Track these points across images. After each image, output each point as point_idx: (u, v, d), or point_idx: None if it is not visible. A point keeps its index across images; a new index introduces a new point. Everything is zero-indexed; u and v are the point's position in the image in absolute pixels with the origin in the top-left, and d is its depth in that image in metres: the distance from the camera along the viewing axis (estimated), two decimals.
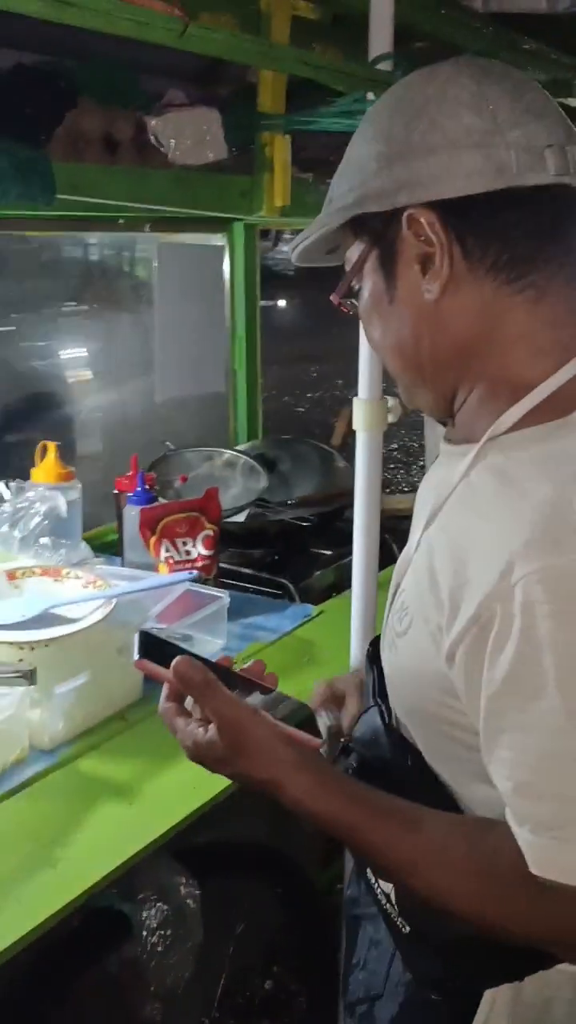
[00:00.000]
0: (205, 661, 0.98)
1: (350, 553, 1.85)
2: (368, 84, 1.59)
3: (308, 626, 2.03)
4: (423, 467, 7.22)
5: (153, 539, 2.00)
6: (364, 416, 1.68)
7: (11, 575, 1.74)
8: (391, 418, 1.70)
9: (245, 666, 1.07)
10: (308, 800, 0.94)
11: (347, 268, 1.00)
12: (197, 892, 1.47)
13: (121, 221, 2.47)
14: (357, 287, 1.00)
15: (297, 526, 2.48)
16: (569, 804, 0.80)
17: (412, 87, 0.94)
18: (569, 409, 0.90)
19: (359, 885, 1.18)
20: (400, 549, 2.22)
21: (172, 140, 1.91)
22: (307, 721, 1.02)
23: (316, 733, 0.99)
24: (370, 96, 1.62)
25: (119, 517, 2.16)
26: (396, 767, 1.03)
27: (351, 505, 1.84)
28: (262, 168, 2.02)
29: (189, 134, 1.92)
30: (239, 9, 1.84)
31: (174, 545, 2.01)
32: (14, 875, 1.27)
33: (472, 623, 0.83)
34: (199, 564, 2.01)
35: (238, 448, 2.75)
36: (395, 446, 7.64)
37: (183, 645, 1.02)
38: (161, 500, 2.15)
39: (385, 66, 1.60)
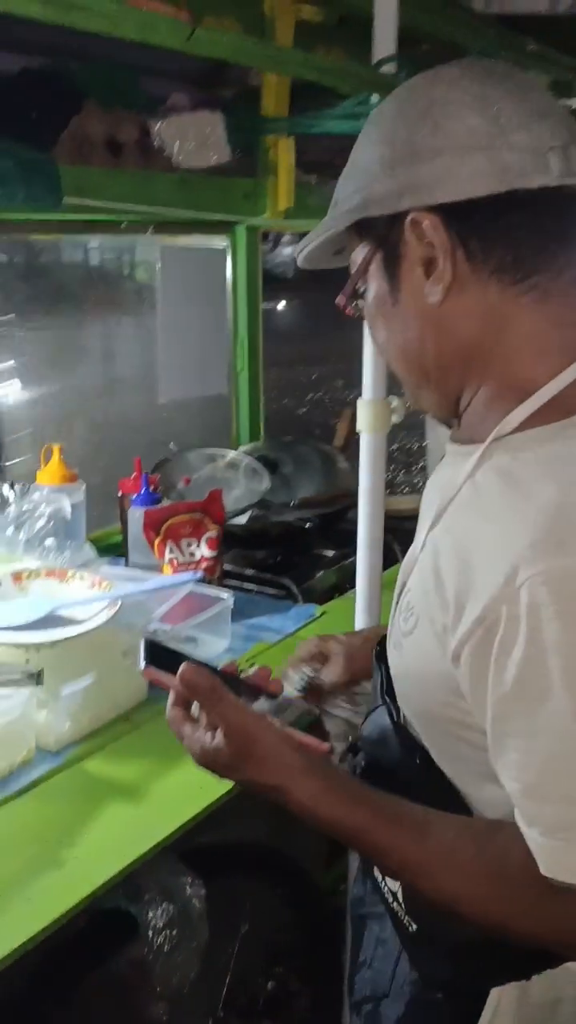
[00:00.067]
0: (211, 667, 0.98)
1: (352, 554, 1.86)
2: (372, 86, 1.60)
3: (312, 627, 2.03)
4: (423, 469, 7.22)
5: (157, 540, 2.00)
6: (368, 417, 1.69)
7: (17, 577, 1.74)
8: (395, 419, 1.71)
9: (250, 672, 1.08)
10: (315, 805, 0.94)
11: (352, 270, 1.01)
12: (203, 892, 1.47)
13: (124, 224, 2.48)
14: (362, 289, 1.01)
15: (300, 527, 2.48)
16: None
17: (416, 90, 0.94)
18: (574, 410, 0.90)
19: (365, 884, 1.18)
20: (402, 549, 2.24)
21: (176, 143, 1.91)
22: (314, 726, 1.02)
23: (323, 737, 0.99)
24: (374, 98, 1.62)
25: (123, 519, 2.16)
26: (404, 766, 1.03)
27: (353, 506, 1.85)
28: (266, 171, 2.02)
29: (192, 137, 1.92)
30: (243, 12, 1.85)
31: (178, 546, 2.02)
32: (21, 876, 1.27)
33: (477, 625, 0.83)
34: (203, 565, 2.02)
35: (240, 450, 2.75)
36: (395, 447, 7.62)
37: (188, 650, 1.03)
38: (165, 502, 2.15)
39: (389, 68, 1.60)
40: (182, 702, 0.99)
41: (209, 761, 0.97)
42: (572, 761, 0.81)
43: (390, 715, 1.06)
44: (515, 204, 0.88)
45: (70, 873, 1.28)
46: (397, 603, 1.04)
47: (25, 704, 1.45)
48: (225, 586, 2.08)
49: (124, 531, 2.16)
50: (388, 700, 1.07)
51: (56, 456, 2.09)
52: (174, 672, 0.96)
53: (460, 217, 0.90)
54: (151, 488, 2.12)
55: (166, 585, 1.83)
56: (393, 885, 1.05)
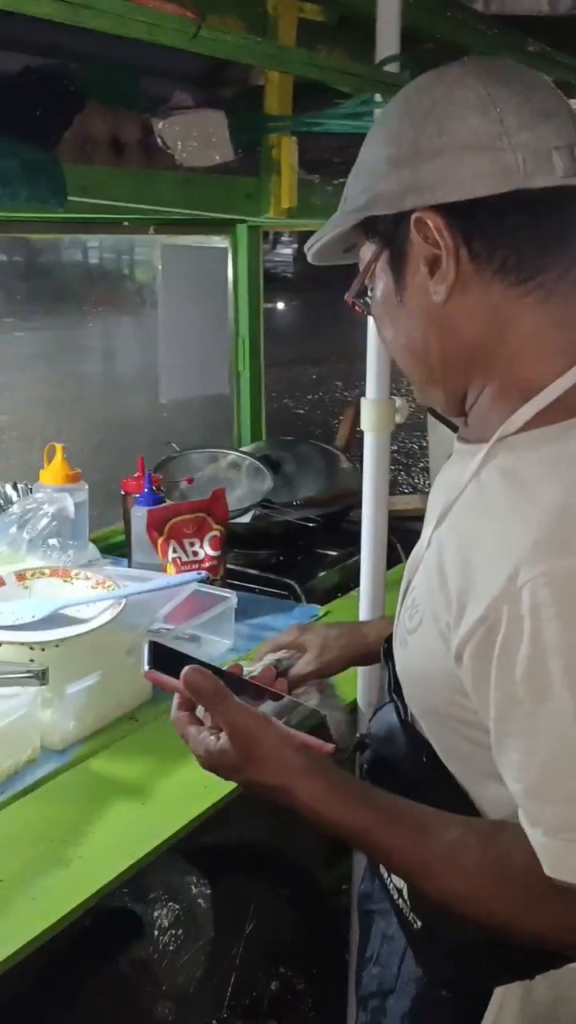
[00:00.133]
0: (215, 669, 0.98)
1: (355, 553, 1.86)
2: (376, 86, 1.60)
3: None
4: (424, 469, 7.23)
5: (160, 540, 2.00)
6: (372, 416, 1.69)
7: (20, 576, 1.74)
8: (399, 419, 1.71)
9: (255, 673, 1.08)
10: (319, 806, 0.94)
11: (360, 268, 1.01)
12: (208, 892, 1.47)
13: (126, 223, 2.48)
14: (370, 287, 1.01)
15: (302, 527, 2.48)
16: None
17: (421, 89, 0.94)
18: None
19: (373, 881, 1.18)
20: (403, 549, 2.25)
21: (179, 142, 1.91)
22: (318, 727, 1.03)
23: (327, 738, 0.99)
24: (377, 98, 1.63)
25: (126, 518, 2.16)
26: (411, 764, 1.03)
27: (356, 506, 1.85)
28: (269, 170, 2.02)
29: (195, 136, 1.92)
30: (246, 11, 1.85)
31: (181, 546, 2.02)
32: (26, 875, 1.27)
33: (479, 624, 0.83)
34: (206, 565, 2.02)
35: (242, 449, 2.75)
36: (395, 448, 7.64)
37: (192, 651, 1.03)
38: (167, 501, 2.15)
39: (392, 68, 1.60)
40: (187, 704, 0.99)
41: (214, 763, 0.97)
42: (574, 761, 0.81)
43: (397, 713, 1.07)
44: (518, 204, 0.88)
45: (75, 872, 1.28)
46: (402, 601, 1.04)
47: (30, 703, 1.45)
48: (228, 586, 2.08)
49: (127, 531, 2.16)
50: (395, 698, 1.07)
51: (59, 455, 2.09)
52: (178, 674, 0.96)
53: (463, 217, 0.90)
54: (154, 487, 2.12)
55: (170, 585, 1.83)
56: (398, 882, 1.06)
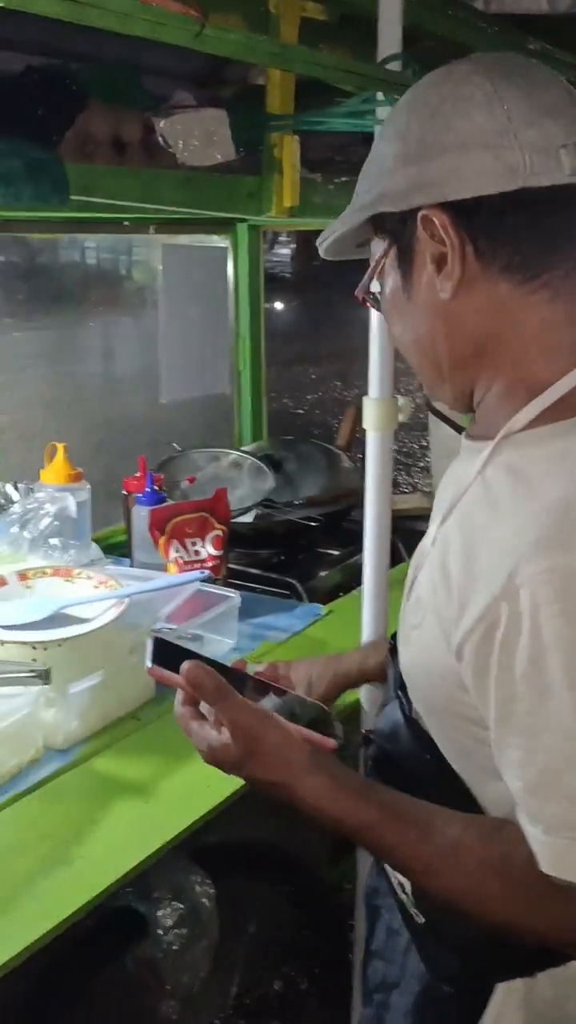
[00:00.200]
0: (219, 665, 0.98)
1: (357, 553, 1.86)
2: (377, 84, 1.60)
3: (318, 625, 2.03)
4: (424, 469, 7.24)
5: (163, 539, 2.00)
6: (375, 415, 1.69)
7: (23, 576, 1.74)
8: (402, 417, 1.71)
9: (259, 669, 1.08)
10: (320, 802, 0.95)
11: (371, 263, 1.01)
12: (212, 891, 1.47)
13: (126, 223, 2.49)
14: (380, 283, 1.01)
15: (304, 526, 2.48)
16: None
17: (429, 86, 0.94)
18: None
19: (379, 876, 1.19)
20: (405, 548, 2.24)
21: (180, 141, 1.91)
22: (321, 723, 1.03)
23: (329, 734, 0.99)
24: (379, 96, 1.63)
25: (127, 518, 2.16)
26: (415, 760, 1.04)
27: (357, 505, 1.85)
28: (271, 169, 2.02)
29: (197, 135, 1.92)
30: (248, 10, 1.85)
31: (183, 545, 2.02)
32: (31, 874, 1.27)
33: (479, 622, 0.83)
34: (208, 564, 2.02)
35: (244, 449, 2.75)
36: (395, 447, 7.64)
37: (195, 647, 1.03)
38: (169, 501, 2.15)
39: (394, 66, 1.60)
40: (191, 700, 0.99)
41: (217, 758, 0.97)
42: (573, 760, 0.81)
43: (402, 709, 1.07)
44: (524, 202, 0.88)
45: (79, 872, 1.28)
46: (407, 597, 1.04)
47: (33, 703, 1.45)
48: (230, 585, 2.09)
49: (128, 530, 2.16)
50: (400, 694, 1.07)
51: (60, 455, 2.09)
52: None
53: (469, 215, 0.90)
54: (156, 487, 2.12)
55: (172, 584, 1.83)
56: (401, 877, 1.06)
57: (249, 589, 2.19)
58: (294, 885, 1.85)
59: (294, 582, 2.23)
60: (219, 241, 2.80)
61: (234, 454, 2.64)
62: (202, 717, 0.98)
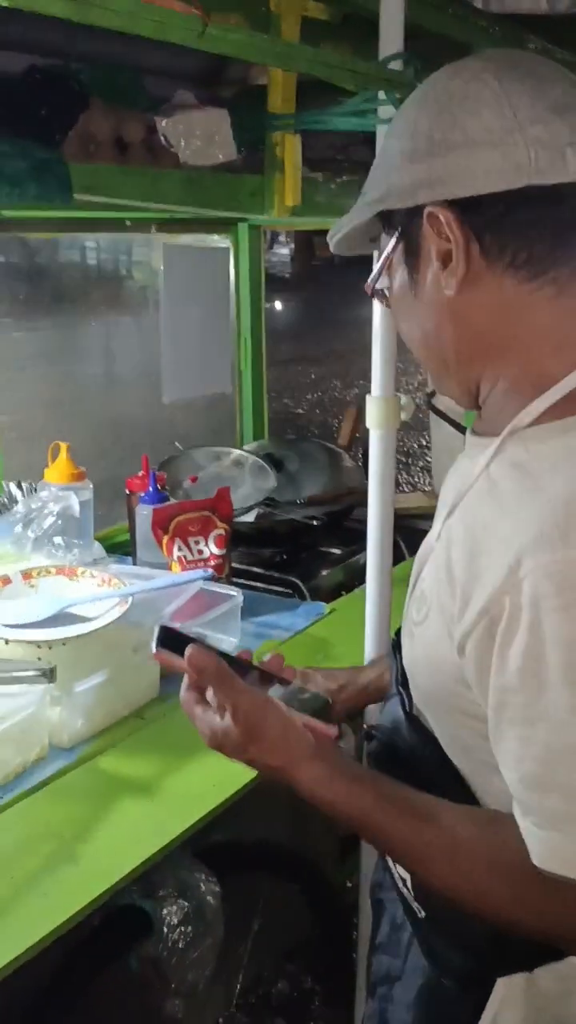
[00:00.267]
0: (224, 654, 0.99)
1: (359, 551, 1.86)
2: (380, 83, 1.60)
3: (320, 624, 2.04)
4: (424, 468, 7.25)
5: (166, 538, 2.01)
6: (377, 413, 1.69)
7: (27, 575, 1.75)
8: (404, 416, 1.71)
9: (264, 659, 1.09)
10: (319, 788, 0.96)
11: (379, 259, 1.02)
12: (217, 889, 1.47)
13: (128, 223, 2.49)
14: (388, 278, 1.02)
15: (306, 525, 2.49)
16: (574, 797, 0.81)
17: (437, 84, 0.94)
18: None
19: (383, 870, 1.19)
20: (406, 547, 2.24)
21: (182, 141, 1.91)
22: (323, 712, 1.04)
23: (331, 723, 1.00)
24: (381, 95, 1.63)
25: (130, 517, 2.16)
26: (415, 756, 1.04)
27: (359, 504, 1.85)
28: (272, 168, 2.02)
29: (199, 135, 1.93)
30: (249, 9, 1.85)
31: (186, 544, 2.02)
32: (36, 872, 1.27)
33: (482, 616, 0.84)
34: (211, 563, 2.02)
35: (246, 448, 2.76)
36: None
37: (201, 635, 1.04)
38: (172, 500, 2.16)
39: (396, 65, 1.61)
40: (196, 686, 1.00)
41: (219, 742, 0.98)
42: (568, 753, 0.81)
43: (403, 705, 1.07)
44: (530, 200, 0.88)
45: (85, 870, 1.28)
46: (411, 593, 1.05)
47: (38, 701, 1.45)
48: (233, 584, 2.09)
49: (131, 529, 2.16)
50: (402, 690, 1.08)
51: (63, 454, 2.09)
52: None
53: (475, 212, 0.90)
54: (159, 486, 2.12)
55: (176, 583, 1.83)
56: (403, 871, 1.07)
57: (252, 588, 2.20)
58: (299, 883, 1.85)
59: (297, 581, 2.23)
60: (220, 241, 2.80)
61: (236, 453, 2.65)
62: (206, 703, 0.99)
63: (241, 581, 2.21)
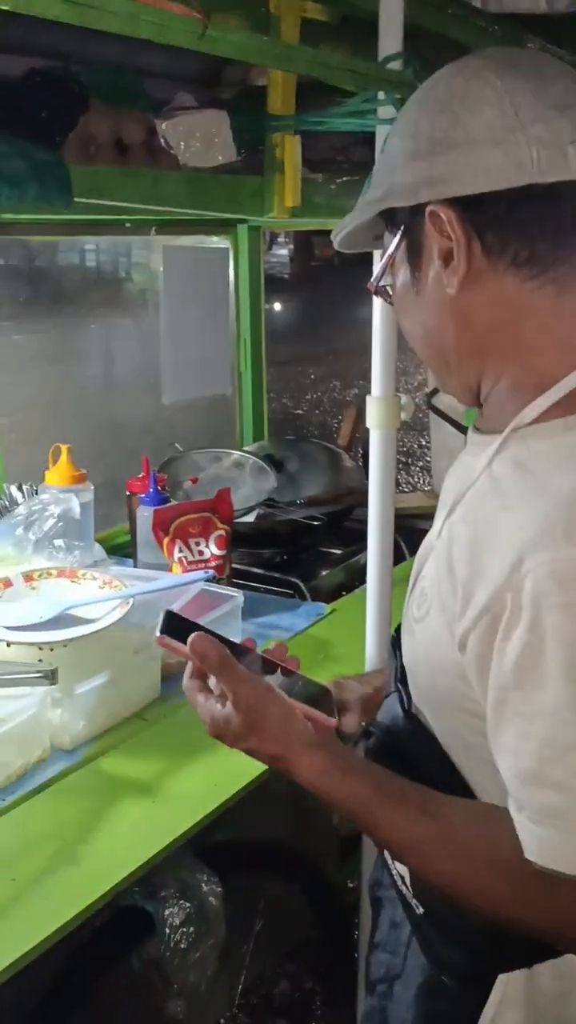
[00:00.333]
0: (228, 642, 0.99)
1: (359, 552, 1.86)
2: (379, 83, 1.60)
3: (321, 624, 2.04)
4: (423, 468, 7.25)
5: (166, 540, 2.01)
6: (377, 413, 1.69)
7: (28, 577, 1.75)
8: (404, 416, 1.72)
9: (269, 648, 1.09)
10: (317, 778, 0.96)
11: (382, 257, 1.02)
12: (219, 890, 1.47)
13: (128, 224, 2.49)
14: (391, 276, 1.02)
15: (307, 525, 2.49)
16: (569, 793, 0.81)
17: (440, 82, 0.94)
18: None
19: (382, 868, 1.19)
20: (406, 546, 2.24)
21: (182, 143, 1.92)
22: (324, 703, 1.04)
23: (331, 714, 1.00)
24: (380, 95, 1.63)
25: (131, 518, 2.16)
26: (413, 752, 1.04)
27: (360, 504, 1.85)
28: (272, 169, 2.03)
29: (198, 136, 1.93)
30: (249, 10, 1.85)
31: (187, 545, 2.02)
32: (38, 874, 1.27)
33: (484, 612, 0.84)
34: (212, 564, 2.02)
35: (246, 449, 2.76)
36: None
37: (206, 623, 1.04)
38: (172, 501, 2.16)
39: (395, 65, 1.61)
40: (199, 673, 1.00)
41: (219, 730, 0.98)
42: (565, 750, 0.81)
43: (401, 702, 1.07)
44: (532, 198, 0.88)
45: (87, 871, 1.28)
46: (412, 590, 1.05)
47: (40, 703, 1.45)
48: (233, 585, 2.09)
49: (132, 531, 2.16)
50: (401, 687, 1.08)
51: (64, 456, 2.09)
52: None
53: (476, 210, 0.90)
54: (159, 488, 2.13)
55: (177, 584, 1.83)
56: (401, 868, 1.07)
57: (252, 589, 2.20)
58: (300, 883, 1.85)
59: (297, 581, 2.24)
60: (219, 242, 2.81)
61: (236, 454, 2.65)
62: (209, 691, 0.99)
63: (242, 582, 2.21)
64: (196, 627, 0.99)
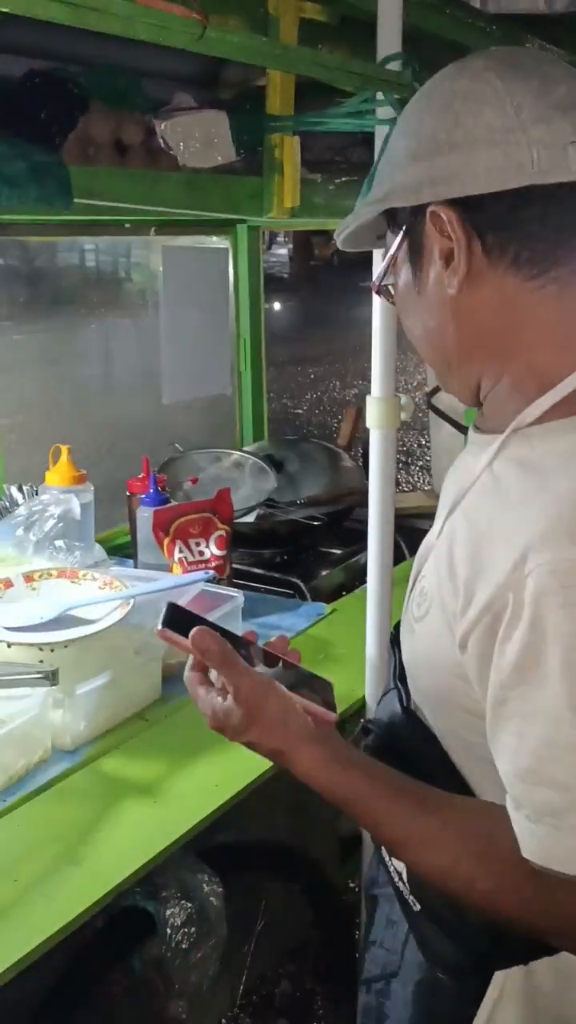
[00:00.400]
0: (230, 635, 0.99)
1: (359, 552, 1.86)
2: (378, 84, 1.60)
3: (322, 624, 2.04)
4: (423, 468, 7.25)
5: (167, 540, 2.01)
6: (377, 413, 1.69)
7: (28, 578, 1.75)
8: (404, 416, 1.72)
9: (270, 641, 1.09)
10: (316, 772, 0.96)
11: (384, 256, 1.02)
12: (220, 890, 1.47)
13: (127, 225, 2.49)
14: (393, 276, 1.02)
15: (307, 526, 2.49)
16: (568, 793, 0.81)
17: (441, 83, 0.94)
18: None
19: (378, 866, 1.19)
20: (406, 546, 2.24)
21: (181, 143, 1.92)
22: (325, 698, 1.04)
23: (332, 709, 1.01)
24: (379, 96, 1.63)
25: (131, 519, 2.17)
26: (411, 750, 1.04)
27: (360, 504, 1.85)
28: (271, 169, 2.03)
29: (197, 137, 1.93)
30: (247, 11, 1.85)
31: (187, 546, 2.02)
32: (40, 875, 1.28)
33: (485, 611, 0.84)
34: (212, 564, 2.02)
35: (245, 449, 2.76)
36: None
37: (209, 616, 1.03)
38: (172, 502, 2.16)
39: (394, 66, 1.61)
40: (200, 667, 1.00)
41: (220, 724, 0.98)
42: (564, 749, 0.81)
43: (400, 700, 1.08)
44: (533, 199, 0.88)
45: (88, 872, 1.29)
46: (412, 589, 1.05)
47: (41, 704, 1.45)
48: (234, 585, 2.09)
49: (132, 531, 2.16)
50: (399, 685, 1.08)
51: (64, 457, 2.09)
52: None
53: (477, 211, 0.90)
54: (159, 488, 2.13)
55: (177, 584, 1.83)
56: (399, 865, 1.07)
57: (253, 589, 2.20)
58: (301, 884, 1.85)
59: (297, 581, 2.24)
60: (219, 242, 2.81)
61: (236, 454, 2.65)
62: (210, 683, 0.99)
63: (242, 582, 2.21)
64: (199, 620, 0.99)
